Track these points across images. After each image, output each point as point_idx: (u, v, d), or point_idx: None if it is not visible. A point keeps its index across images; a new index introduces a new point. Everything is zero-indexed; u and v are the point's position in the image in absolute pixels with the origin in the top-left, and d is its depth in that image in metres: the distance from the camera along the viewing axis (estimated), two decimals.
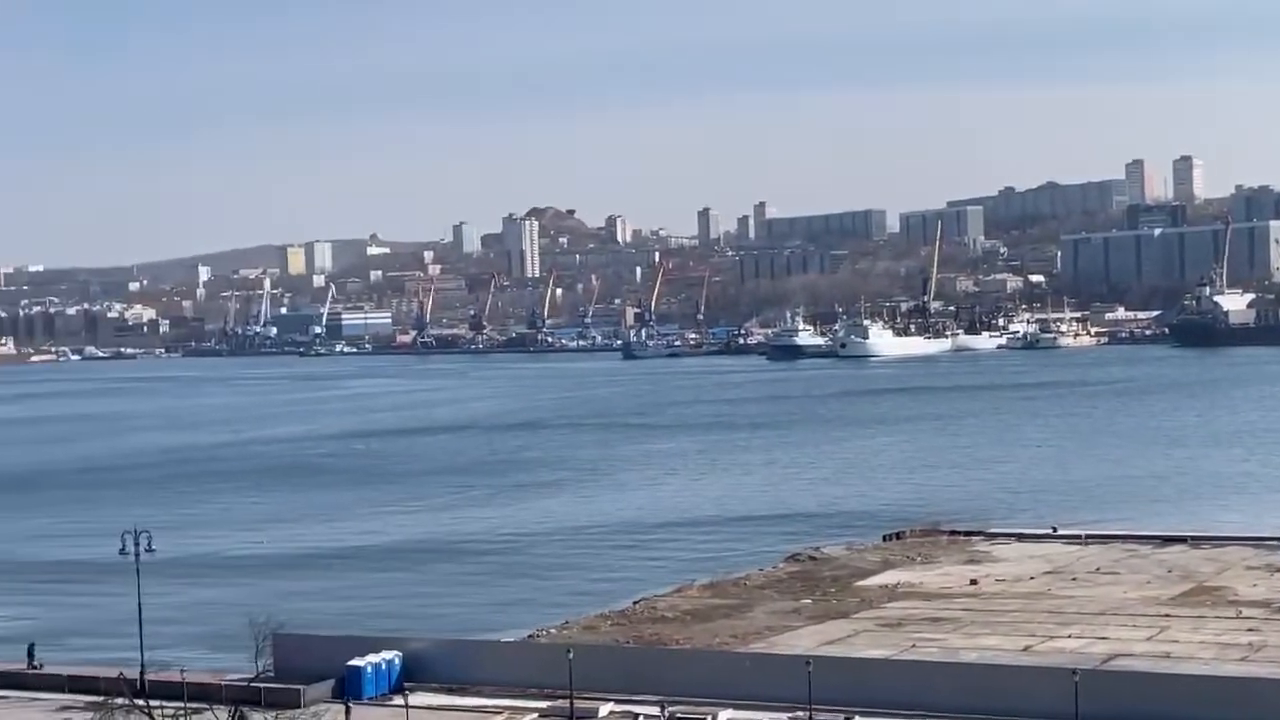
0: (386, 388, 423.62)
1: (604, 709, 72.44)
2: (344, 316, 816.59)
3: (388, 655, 79.96)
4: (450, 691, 77.93)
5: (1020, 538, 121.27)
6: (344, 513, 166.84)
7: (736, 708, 70.93)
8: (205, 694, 73.25)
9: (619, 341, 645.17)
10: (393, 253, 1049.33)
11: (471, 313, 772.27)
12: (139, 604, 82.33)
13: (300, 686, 75.18)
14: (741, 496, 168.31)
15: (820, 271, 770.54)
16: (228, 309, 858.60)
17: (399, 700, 73.01)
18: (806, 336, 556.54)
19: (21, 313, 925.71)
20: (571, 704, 72.76)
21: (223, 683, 76.87)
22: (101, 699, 67.84)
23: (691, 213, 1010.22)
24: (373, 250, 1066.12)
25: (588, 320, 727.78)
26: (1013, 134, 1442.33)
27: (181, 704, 68.95)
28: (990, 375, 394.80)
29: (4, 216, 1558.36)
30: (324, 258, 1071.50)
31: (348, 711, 70.50)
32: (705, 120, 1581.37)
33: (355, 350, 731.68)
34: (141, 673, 75.94)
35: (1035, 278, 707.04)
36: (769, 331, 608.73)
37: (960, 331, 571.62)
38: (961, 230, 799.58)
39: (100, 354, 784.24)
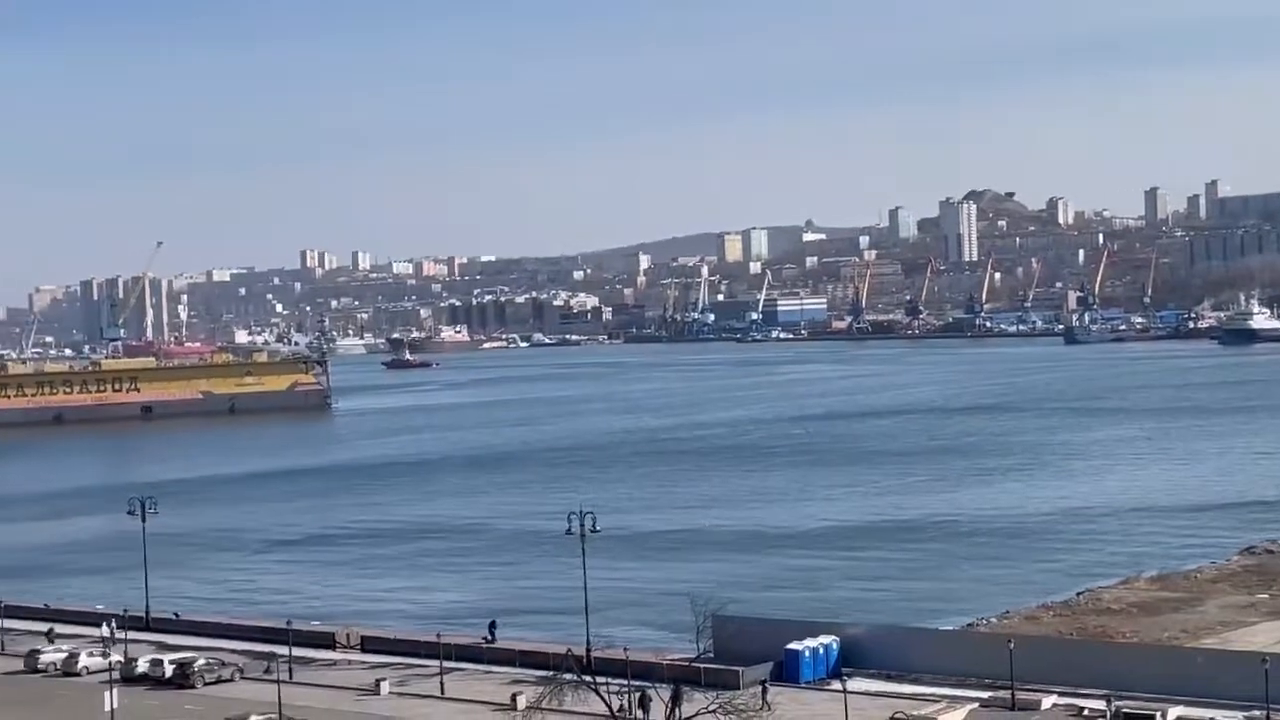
0: (821, 373, 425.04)
1: (1046, 701, 70.77)
2: (779, 303, 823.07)
3: (825, 640, 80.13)
4: (888, 678, 77.59)
5: None
6: (783, 496, 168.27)
7: (1187, 705, 68.18)
8: (648, 672, 75.02)
9: (1060, 326, 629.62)
10: (828, 238, 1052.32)
11: (907, 298, 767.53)
12: (584, 583, 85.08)
13: (739, 668, 76.11)
14: (1192, 485, 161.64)
15: (1278, 251, 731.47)
16: (667, 296, 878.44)
17: (836, 685, 73.02)
18: (1263, 320, 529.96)
19: (474, 301, 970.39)
20: (1013, 695, 71.35)
21: (665, 661, 78.59)
22: (550, 674, 70.16)
23: (1137, 193, 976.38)
24: (808, 236, 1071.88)
25: (1027, 305, 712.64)
26: None
27: (625, 681, 70.74)
28: None
29: (460, 210, 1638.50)
30: (760, 244, 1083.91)
31: (764, 691, 70.72)
32: (1155, 97, 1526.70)
33: (790, 336, 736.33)
34: (588, 649, 78.27)
35: None
36: (1221, 315, 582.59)
37: None
38: None
39: (546, 340, 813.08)
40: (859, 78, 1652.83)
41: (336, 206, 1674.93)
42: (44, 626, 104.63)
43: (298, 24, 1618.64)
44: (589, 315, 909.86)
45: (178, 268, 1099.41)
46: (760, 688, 71.42)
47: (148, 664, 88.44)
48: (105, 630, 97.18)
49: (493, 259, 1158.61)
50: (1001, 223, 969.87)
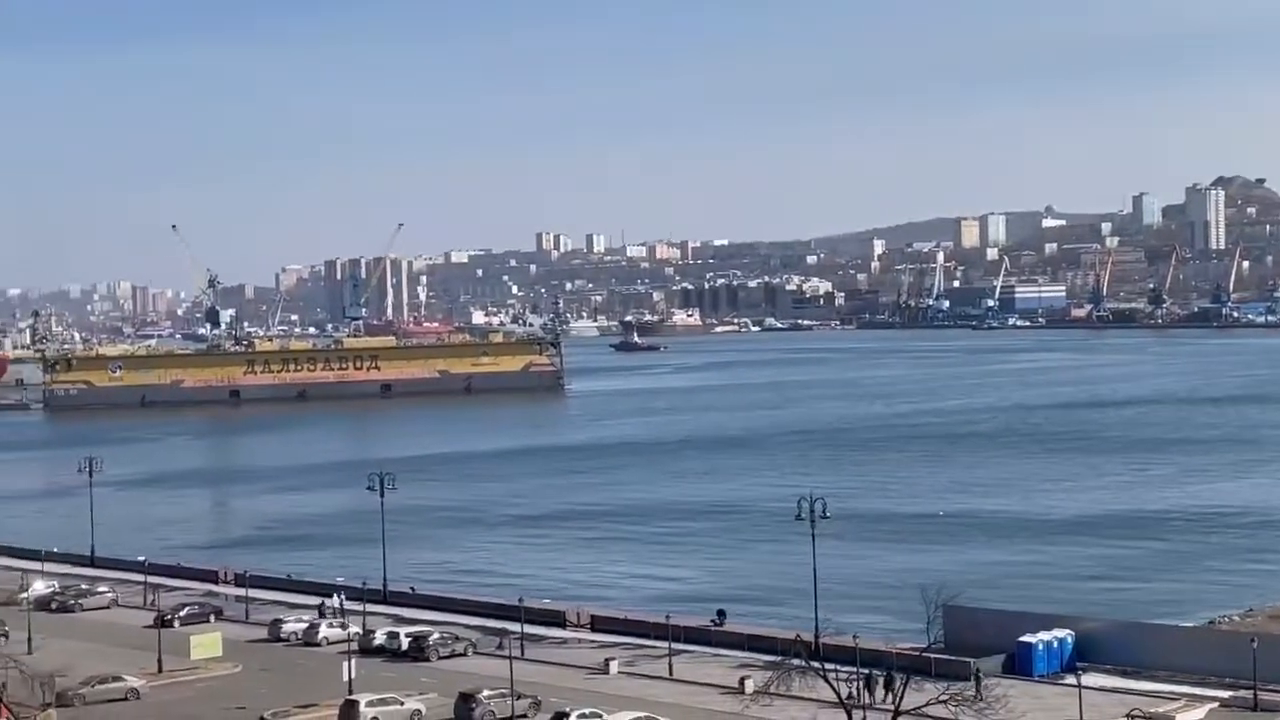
0: (1060, 362, 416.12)
1: None
2: (1017, 290, 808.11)
3: (1059, 633, 78.52)
4: (1124, 674, 75.69)
5: None
6: (1018, 485, 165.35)
7: None
8: (877, 660, 74.29)
9: None
10: (1068, 225, 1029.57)
11: (1150, 286, 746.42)
12: (814, 568, 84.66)
13: (970, 660, 74.94)
14: None
15: None
16: (901, 282, 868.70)
17: (1070, 680, 71.43)
18: None
19: (707, 285, 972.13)
20: (1255, 695, 69.05)
21: (894, 650, 77.71)
22: (778, 659, 69.92)
23: None
24: (1048, 222, 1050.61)
25: (1277, 294, 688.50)
26: None
27: (854, 669, 70.18)
28: None
29: (693, 194, 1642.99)
30: (998, 230, 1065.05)
31: (977, 682, 69.20)
32: None
33: (1028, 324, 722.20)
34: (816, 635, 77.82)
35: None
36: None
37: None
38: None
39: (778, 325, 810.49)
40: (1104, 58, 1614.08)
41: (573, 189, 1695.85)
42: (287, 597, 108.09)
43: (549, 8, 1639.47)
44: (821, 300, 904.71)
45: (417, 249, 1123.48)
46: (975, 679, 70.05)
47: (384, 636, 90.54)
48: (335, 601, 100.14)
49: (726, 243, 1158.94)
50: (1251, 210, 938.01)
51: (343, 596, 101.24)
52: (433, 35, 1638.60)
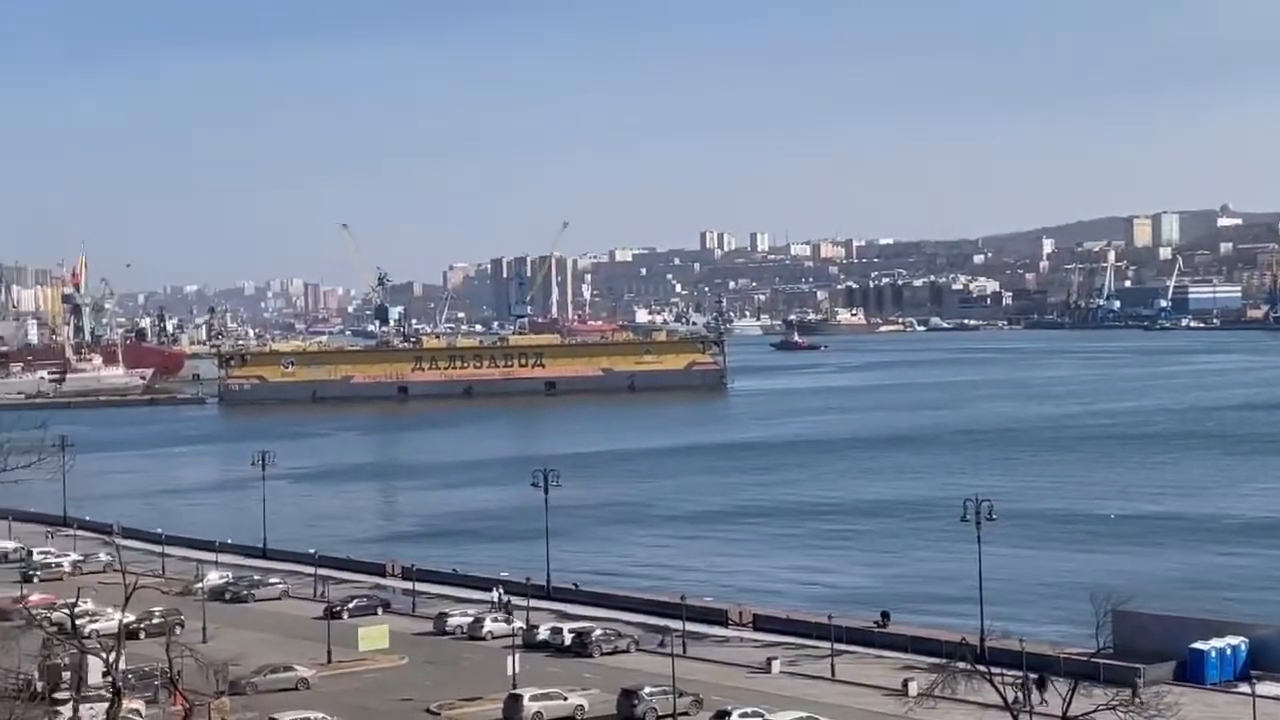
0: (1235, 364, 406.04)
1: None
2: (1191, 290, 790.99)
3: (1233, 640, 76.67)
4: None
5: None
6: (1191, 488, 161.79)
7: None
8: (1043, 664, 73.18)
9: None
10: (1245, 224, 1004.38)
11: None
12: (979, 570, 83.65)
13: (1139, 666, 73.47)
14: None
15: None
16: (1071, 282, 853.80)
17: (1244, 688, 69.71)
18: None
19: (871, 284, 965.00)
20: None
21: (1061, 655, 76.50)
22: (943, 661, 69.16)
23: None
24: (1223, 221, 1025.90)
25: None
26: None
27: (1020, 673, 69.17)
28: None
29: (858, 192, 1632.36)
30: (1171, 229, 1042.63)
31: (1135, 689, 67.36)
32: None
33: (1202, 325, 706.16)
34: (981, 638, 76.88)
35: None
36: None
37: None
38: None
39: (944, 325, 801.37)
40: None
41: (736, 188, 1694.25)
42: (452, 591, 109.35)
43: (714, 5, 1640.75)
44: (988, 300, 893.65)
45: (583, 247, 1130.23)
46: (1133, 686, 68.48)
47: (548, 631, 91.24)
48: (495, 596, 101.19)
49: (891, 241, 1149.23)
50: None
51: (503, 591, 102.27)
52: (599, 31, 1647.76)
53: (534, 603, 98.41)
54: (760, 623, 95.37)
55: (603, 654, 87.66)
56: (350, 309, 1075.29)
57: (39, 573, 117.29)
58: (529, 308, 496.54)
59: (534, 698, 73.35)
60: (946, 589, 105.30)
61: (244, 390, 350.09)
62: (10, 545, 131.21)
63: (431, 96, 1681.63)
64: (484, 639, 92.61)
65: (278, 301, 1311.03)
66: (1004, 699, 61.74)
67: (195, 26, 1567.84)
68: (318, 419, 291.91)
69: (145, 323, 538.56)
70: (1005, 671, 66.14)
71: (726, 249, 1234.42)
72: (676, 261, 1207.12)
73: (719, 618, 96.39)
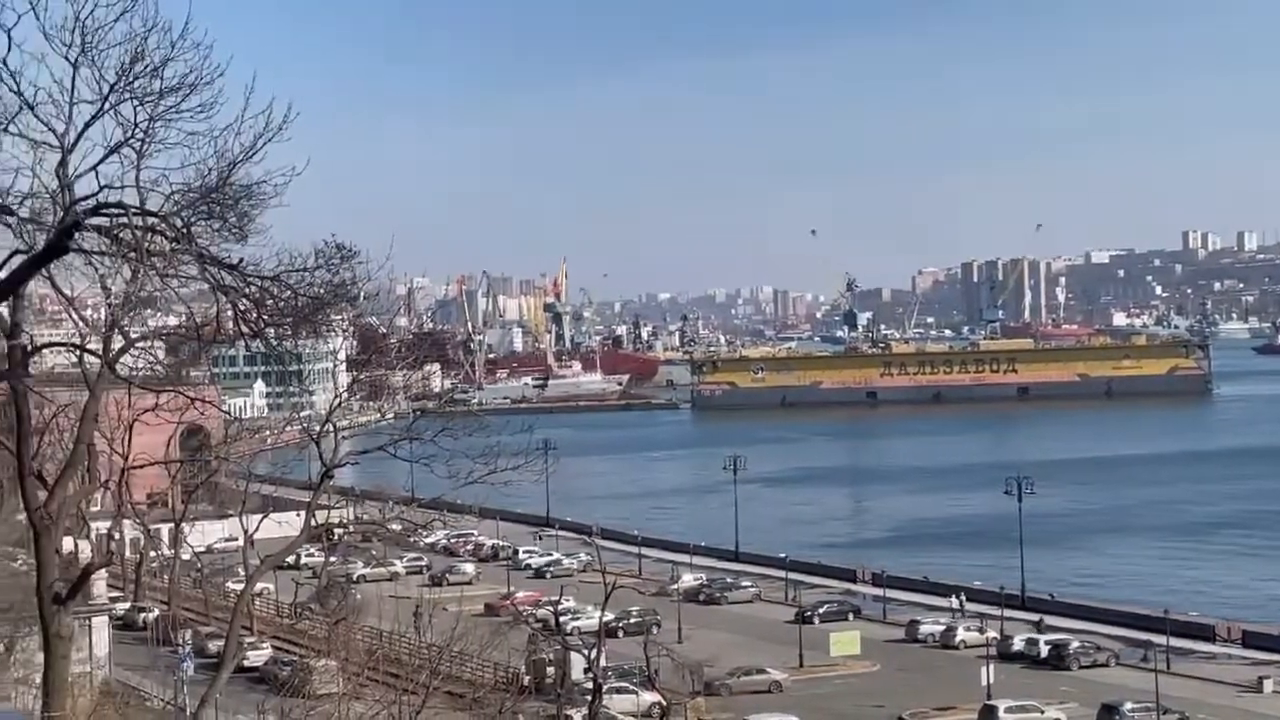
0: None
1: None
2: None
3: None
4: None
5: None
6: None
7: None
8: None
9: None
10: None
11: None
12: None
13: None
14: None
15: None
16: None
17: None
18: None
19: None
20: None
21: None
22: None
23: None
24: None
25: None
26: None
27: None
28: None
29: None
30: None
31: None
32: None
33: None
34: None
35: None
36: None
37: None
38: None
39: None
40: None
41: (1222, 184, 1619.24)
42: (922, 598, 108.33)
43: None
44: None
45: (1056, 250, 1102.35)
46: None
47: (1023, 642, 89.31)
48: (954, 602, 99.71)
49: None
50: None
51: (963, 598, 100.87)
52: (1056, 33, 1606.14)
53: (1007, 612, 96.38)
54: (1250, 639, 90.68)
55: (1080, 667, 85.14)
56: (819, 315, 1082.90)
57: (550, 570, 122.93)
58: (1000, 312, 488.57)
59: (1009, 709, 71.78)
60: None
61: (715, 396, 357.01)
62: (497, 544, 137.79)
63: (897, 98, 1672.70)
64: (956, 648, 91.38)
65: (747, 308, 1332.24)
66: None
67: (633, 42, 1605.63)
68: (787, 424, 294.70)
69: (621, 330, 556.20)
70: None
71: (1211, 249, 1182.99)
72: (1156, 263, 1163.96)
73: (1205, 633, 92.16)
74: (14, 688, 50.59)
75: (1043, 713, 72.48)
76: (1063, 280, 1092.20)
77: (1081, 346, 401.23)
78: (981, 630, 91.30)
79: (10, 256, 24.30)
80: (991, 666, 77.49)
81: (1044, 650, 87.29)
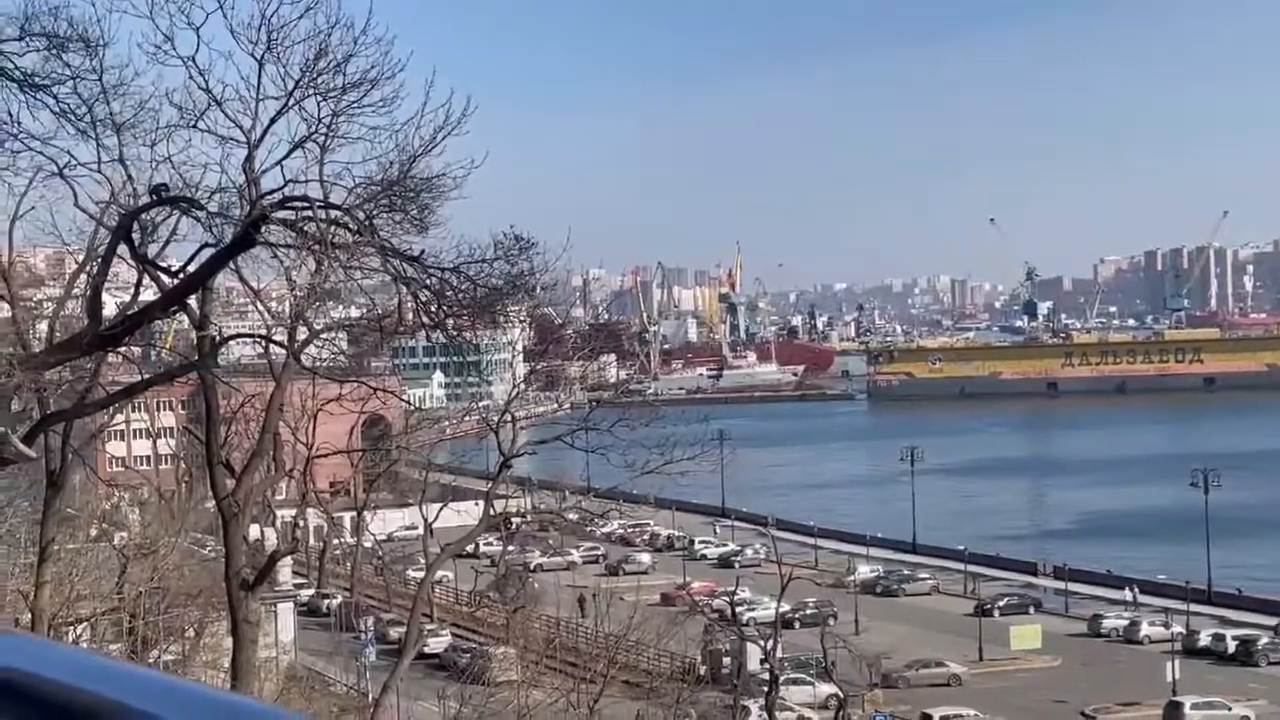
0: None
1: None
2: None
3: None
4: None
5: None
6: None
7: None
8: None
9: None
10: None
11: None
12: None
13: None
14: None
15: None
16: None
17: None
18: None
19: None
20: None
21: None
22: None
23: None
24: None
25: None
26: None
27: None
28: None
29: None
30: None
31: None
32: None
33: None
34: None
35: None
36: None
37: None
38: None
39: None
40: None
41: None
42: (1105, 592, 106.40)
43: None
44: None
45: (1244, 237, 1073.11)
46: None
47: (1209, 638, 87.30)
48: (1128, 594, 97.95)
49: None
50: None
51: (1137, 590, 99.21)
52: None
53: (1194, 607, 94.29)
54: None
55: (1270, 664, 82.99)
56: (997, 305, 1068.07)
57: (737, 560, 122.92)
58: (1185, 301, 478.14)
59: (1195, 706, 70.22)
60: None
61: (892, 386, 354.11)
62: (673, 533, 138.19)
63: (1082, 81, 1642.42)
64: (1140, 643, 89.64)
65: (924, 298, 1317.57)
66: None
67: (854, 31, 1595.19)
68: (965, 415, 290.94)
69: (796, 320, 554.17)
70: None
71: None
72: None
73: None
74: (203, 671, 51.94)
75: (1230, 709, 70.76)
76: (1250, 268, 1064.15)
77: (1270, 336, 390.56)
78: (1167, 625, 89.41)
79: (199, 250, 24.89)
80: (1177, 662, 75.84)
81: (1231, 646, 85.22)
